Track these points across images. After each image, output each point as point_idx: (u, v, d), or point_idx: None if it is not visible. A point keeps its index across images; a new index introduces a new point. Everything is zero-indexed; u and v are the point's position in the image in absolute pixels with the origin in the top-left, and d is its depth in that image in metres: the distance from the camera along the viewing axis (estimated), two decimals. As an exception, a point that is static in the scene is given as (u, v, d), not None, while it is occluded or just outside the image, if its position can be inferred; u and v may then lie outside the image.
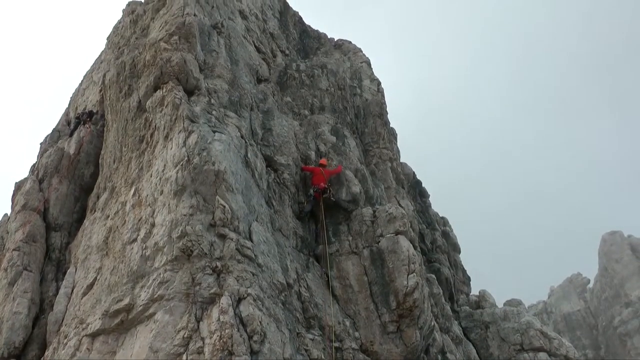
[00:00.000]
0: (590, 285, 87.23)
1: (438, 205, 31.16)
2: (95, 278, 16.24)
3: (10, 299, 17.80)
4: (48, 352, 15.84)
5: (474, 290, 29.18)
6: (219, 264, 13.87)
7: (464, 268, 29.64)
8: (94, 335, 14.42)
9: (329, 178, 20.06)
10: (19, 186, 22.67)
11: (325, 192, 19.53)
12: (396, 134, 29.06)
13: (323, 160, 20.75)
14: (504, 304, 30.49)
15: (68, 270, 18.24)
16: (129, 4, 30.09)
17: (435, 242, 27.03)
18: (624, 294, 77.06)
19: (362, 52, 31.17)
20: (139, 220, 15.65)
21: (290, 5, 33.96)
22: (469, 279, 29.58)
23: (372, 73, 29.50)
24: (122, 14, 30.44)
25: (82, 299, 16.20)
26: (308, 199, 19.64)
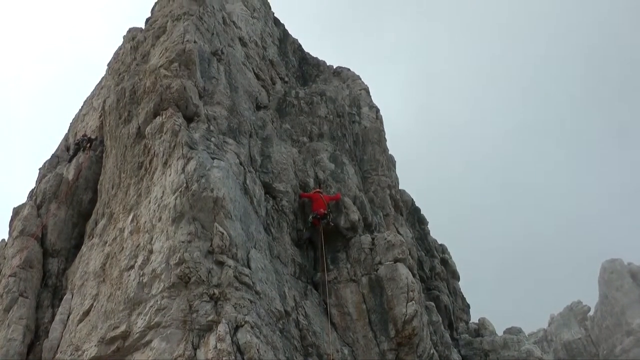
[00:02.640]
0: (591, 313, 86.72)
1: (437, 232, 31.11)
2: (92, 304, 16.15)
3: (5, 325, 17.67)
4: (43, 380, 15.73)
5: (474, 318, 29.01)
6: (216, 291, 13.82)
7: (463, 295, 29.50)
8: (89, 363, 14.31)
9: (328, 204, 20.06)
10: (17, 211, 22.59)
11: (325, 219, 19.50)
12: (395, 161, 29.10)
13: (318, 190, 20.74)
14: (504, 332, 30.26)
15: (64, 297, 18.15)
16: (129, 31, 30.28)
17: (434, 270, 26.92)
18: (625, 322, 76.65)
19: (360, 79, 31.26)
20: (137, 246, 15.61)
21: (290, 32, 34.24)
22: (468, 306, 29.42)
23: (371, 100, 29.57)
24: (122, 40, 30.63)
25: (78, 325, 16.10)
26: (306, 225, 19.62)
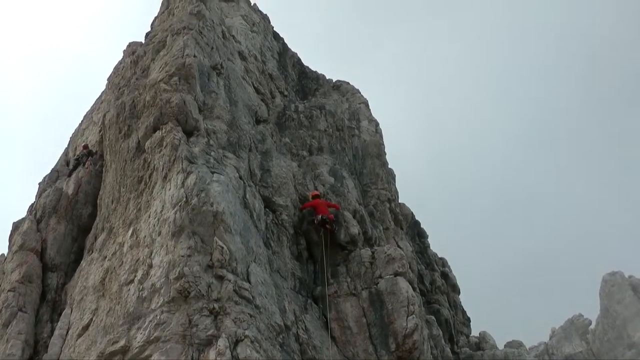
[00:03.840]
0: (592, 326, 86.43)
1: (438, 244, 31.10)
2: (91, 319, 16.11)
3: (4, 340, 17.63)
4: (42, 395, 15.66)
5: (474, 332, 28.97)
6: (216, 305, 13.79)
7: (463, 309, 29.46)
8: (88, 378, 14.26)
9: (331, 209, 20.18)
10: (16, 226, 22.58)
11: (330, 224, 19.65)
12: (394, 175, 29.10)
13: (315, 192, 20.83)
14: (505, 346, 30.23)
15: (64, 312, 18.10)
16: (129, 45, 30.42)
17: (435, 283, 26.91)
18: (627, 336, 76.44)
19: (360, 92, 31.37)
20: (137, 261, 15.59)
21: (291, 46, 34.38)
22: (469, 320, 29.39)
23: (371, 114, 29.67)
24: (122, 54, 30.75)
25: (77, 340, 16.05)
26: (311, 219, 19.71)
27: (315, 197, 20.58)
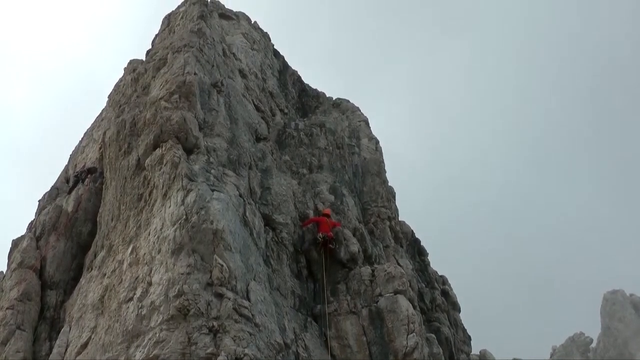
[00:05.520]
0: (594, 344, 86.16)
1: (438, 263, 30.98)
2: (90, 337, 16.05)
3: (2, 358, 17.51)
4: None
5: (475, 350, 28.81)
6: (215, 323, 13.76)
7: (464, 327, 29.31)
8: (87, 397, 14.17)
9: (332, 228, 20.20)
10: (16, 244, 22.53)
11: (331, 243, 19.71)
12: (394, 192, 29.10)
13: (327, 210, 20.89)
14: (506, 364, 30.07)
15: (62, 329, 18.03)
16: (130, 62, 30.45)
17: (435, 301, 26.77)
18: (628, 354, 76.19)
19: (360, 110, 31.44)
20: (136, 279, 15.56)
21: (295, 64, 34.52)
22: (469, 338, 29.22)
23: (371, 132, 29.72)
24: (123, 72, 30.80)
25: (75, 358, 15.98)
26: (315, 240, 19.79)
27: (325, 215, 20.64)
